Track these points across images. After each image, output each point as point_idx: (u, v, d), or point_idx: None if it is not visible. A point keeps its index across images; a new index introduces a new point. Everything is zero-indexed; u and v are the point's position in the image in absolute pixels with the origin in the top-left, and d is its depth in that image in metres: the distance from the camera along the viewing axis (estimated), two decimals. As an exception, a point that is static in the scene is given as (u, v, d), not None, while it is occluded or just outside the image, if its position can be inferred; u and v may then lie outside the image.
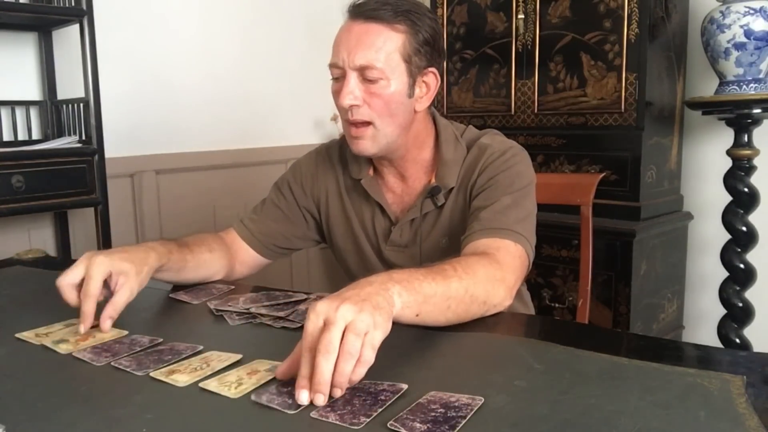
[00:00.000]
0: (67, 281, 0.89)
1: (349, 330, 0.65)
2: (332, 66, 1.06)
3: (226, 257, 1.16)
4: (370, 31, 1.03)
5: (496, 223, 1.01)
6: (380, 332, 0.68)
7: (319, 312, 0.67)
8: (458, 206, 1.12)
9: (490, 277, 0.90)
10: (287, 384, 0.67)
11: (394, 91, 1.04)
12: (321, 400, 0.62)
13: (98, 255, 0.90)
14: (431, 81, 1.10)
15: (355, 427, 0.58)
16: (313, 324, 0.67)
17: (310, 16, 2.72)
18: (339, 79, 1.06)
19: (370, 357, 0.66)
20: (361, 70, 1.03)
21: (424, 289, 0.80)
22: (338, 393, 0.64)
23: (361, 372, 0.66)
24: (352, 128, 1.07)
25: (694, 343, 0.88)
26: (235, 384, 0.68)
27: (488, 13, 2.25)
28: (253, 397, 0.65)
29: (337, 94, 1.06)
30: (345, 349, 0.64)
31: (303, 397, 0.63)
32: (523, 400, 0.63)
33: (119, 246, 0.99)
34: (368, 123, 1.05)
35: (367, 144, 1.07)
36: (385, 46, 1.02)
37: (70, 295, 0.89)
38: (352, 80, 1.03)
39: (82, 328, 0.85)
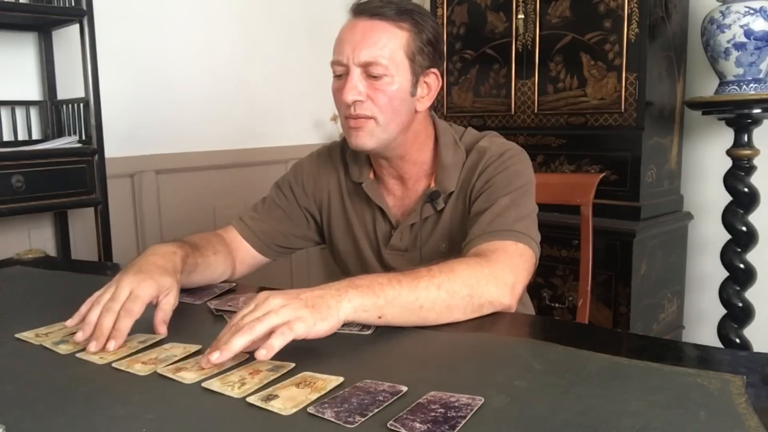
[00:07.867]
0: (104, 300, 0.84)
1: (268, 314, 0.73)
2: (335, 63, 1.05)
3: (229, 258, 1.15)
4: (375, 28, 1.03)
5: (496, 225, 1.00)
6: (301, 325, 0.73)
7: (257, 298, 0.77)
8: (458, 211, 1.12)
9: (473, 273, 0.89)
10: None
11: (397, 88, 1.04)
12: (215, 357, 0.70)
13: (144, 279, 0.86)
14: (432, 82, 1.10)
15: (350, 426, 0.58)
16: (247, 308, 0.76)
17: (310, 16, 2.72)
18: (341, 77, 1.05)
19: (276, 343, 0.71)
20: (366, 67, 1.02)
21: (386, 293, 0.82)
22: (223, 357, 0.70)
23: (261, 354, 0.70)
24: (351, 120, 1.05)
25: (694, 343, 0.88)
26: (238, 384, 0.68)
27: (488, 13, 2.25)
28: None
29: (338, 91, 1.05)
30: (250, 324, 0.72)
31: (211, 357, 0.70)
32: (523, 400, 0.63)
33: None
34: (370, 118, 1.05)
35: (365, 137, 1.06)
36: (390, 43, 1.02)
37: (93, 315, 0.82)
38: (356, 76, 1.03)
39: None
